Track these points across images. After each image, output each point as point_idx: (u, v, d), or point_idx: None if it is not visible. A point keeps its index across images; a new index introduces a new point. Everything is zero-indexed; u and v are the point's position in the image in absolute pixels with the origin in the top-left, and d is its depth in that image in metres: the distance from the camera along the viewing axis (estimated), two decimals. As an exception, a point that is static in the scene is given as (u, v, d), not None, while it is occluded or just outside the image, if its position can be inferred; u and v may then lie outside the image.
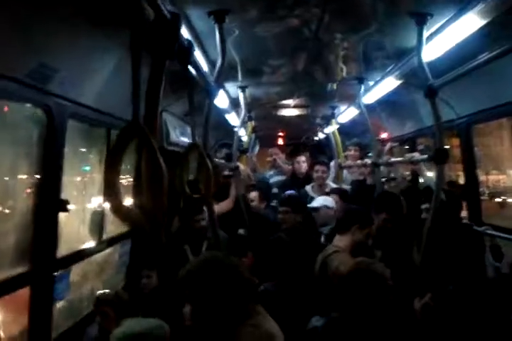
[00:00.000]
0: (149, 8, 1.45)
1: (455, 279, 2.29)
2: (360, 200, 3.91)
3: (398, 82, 3.90)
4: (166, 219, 1.34)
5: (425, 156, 2.77)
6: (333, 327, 2.14)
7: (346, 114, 5.75)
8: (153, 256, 3.46)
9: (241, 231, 4.27)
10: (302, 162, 5.93)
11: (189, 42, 1.81)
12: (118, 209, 1.22)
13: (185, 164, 2.12)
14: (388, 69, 3.74)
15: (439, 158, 2.44)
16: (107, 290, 2.93)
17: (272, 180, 6.06)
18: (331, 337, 2.10)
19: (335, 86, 4.81)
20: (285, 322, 2.05)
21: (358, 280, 1.96)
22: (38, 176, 2.28)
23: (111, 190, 1.20)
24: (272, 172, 6.47)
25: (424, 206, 3.16)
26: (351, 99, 5.11)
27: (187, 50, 1.77)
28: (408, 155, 3.38)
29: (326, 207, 4.09)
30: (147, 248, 3.72)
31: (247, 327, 1.78)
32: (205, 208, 3.28)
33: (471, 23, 2.32)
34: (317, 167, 5.20)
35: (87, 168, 3.41)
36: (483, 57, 2.08)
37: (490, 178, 4.47)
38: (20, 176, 2.33)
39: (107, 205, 3.34)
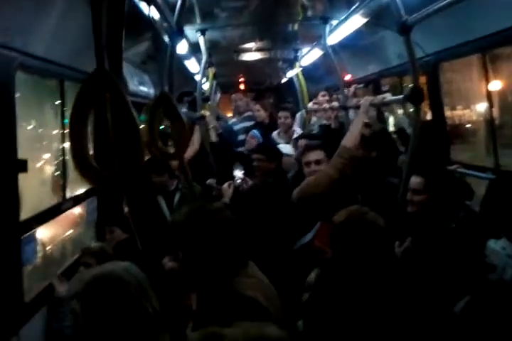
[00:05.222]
0: None
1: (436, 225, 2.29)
2: (328, 144, 3.85)
3: (364, 20, 3.75)
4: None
5: (400, 97, 2.67)
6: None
7: (310, 56, 5.58)
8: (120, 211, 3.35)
9: (210, 181, 4.17)
10: (257, 111, 5.98)
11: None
12: (86, 170, 1.09)
13: (156, 116, 1.93)
14: (354, 6, 3.57)
15: (415, 98, 2.35)
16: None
17: (236, 127, 5.92)
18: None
19: (297, 26, 4.63)
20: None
21: (349, 230, 1.90)
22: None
23: (78, 150, 1.06)
24: (235, 120, 6.30)
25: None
26: (315, 40, 4.94)
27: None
28: (380, 97, 3.28)
29: (286, 154, 4.09)
30: (114, 204, 3.60)
31: (244, 277, 1.66)
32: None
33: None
34: (280, 113, 5.25)
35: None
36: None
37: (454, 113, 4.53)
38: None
39: (68, 162, 3.16)
